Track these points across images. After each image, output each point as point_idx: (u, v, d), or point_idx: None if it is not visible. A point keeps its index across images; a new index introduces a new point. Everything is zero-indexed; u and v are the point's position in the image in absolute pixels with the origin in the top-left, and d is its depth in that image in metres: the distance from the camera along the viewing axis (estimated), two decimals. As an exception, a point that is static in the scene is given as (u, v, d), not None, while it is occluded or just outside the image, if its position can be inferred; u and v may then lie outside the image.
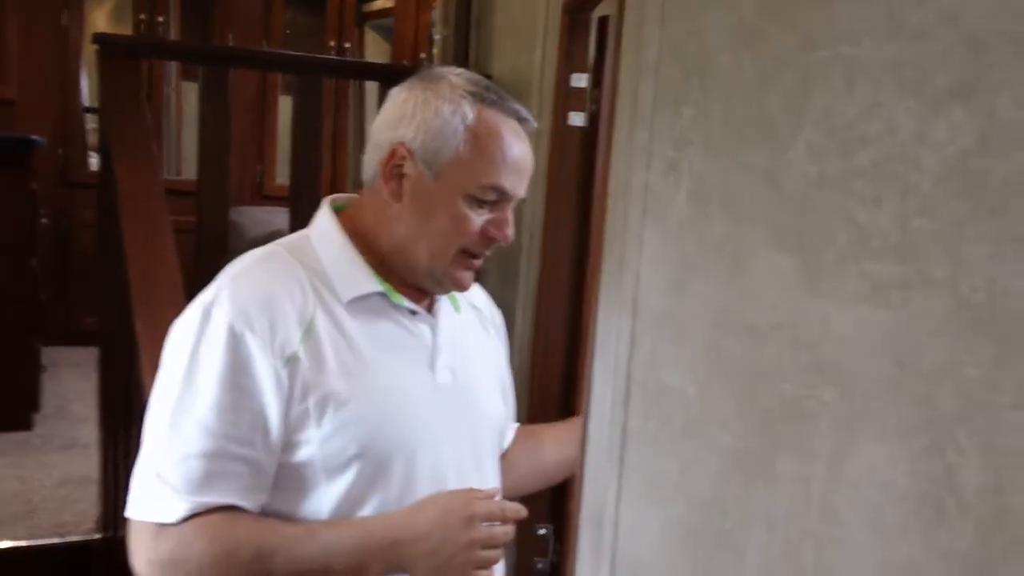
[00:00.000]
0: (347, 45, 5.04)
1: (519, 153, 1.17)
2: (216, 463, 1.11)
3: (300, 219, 2.40)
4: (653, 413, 0.88)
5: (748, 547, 0.76)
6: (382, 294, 1.18)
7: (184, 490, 1.12)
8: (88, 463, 2.79)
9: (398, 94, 1.21)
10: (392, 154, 1.17)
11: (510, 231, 1.17)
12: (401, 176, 1.16)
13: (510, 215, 1.17)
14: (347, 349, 1.15)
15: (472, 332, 1.33)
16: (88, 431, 3.15)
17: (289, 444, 1.12)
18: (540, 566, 1.59)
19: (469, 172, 1.13)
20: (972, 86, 0.59)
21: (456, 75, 1.19)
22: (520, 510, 1.12)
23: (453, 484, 1.18)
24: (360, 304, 1.17)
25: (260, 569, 1.12)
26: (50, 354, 3.68)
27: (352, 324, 1.16)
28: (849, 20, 0.68)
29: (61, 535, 2.50)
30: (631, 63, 0.99)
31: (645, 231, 0.91)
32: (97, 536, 2.50)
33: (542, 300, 1.72)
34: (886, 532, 0.65)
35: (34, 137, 3.27)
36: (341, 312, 1.16)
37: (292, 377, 1.13)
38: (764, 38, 0.75)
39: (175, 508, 1.12)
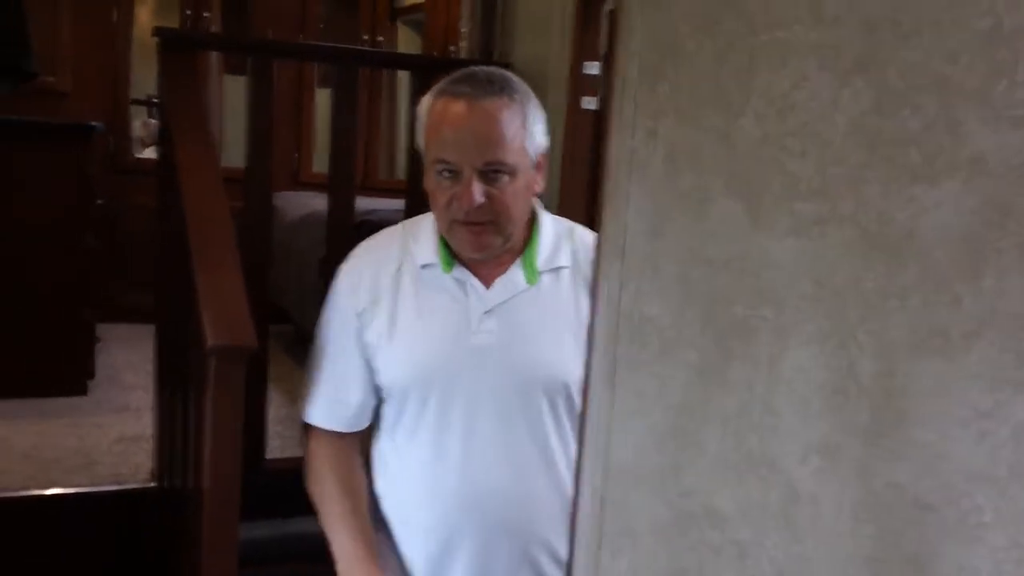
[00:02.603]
0: (380, 39, 5.21)
1: (455, 126, 1.41)
2: (325, 384, 1.45)
3: (338, 202, 2.59)
4: (636, 339, 1.04)
5: (708, 442, 0.93)
6: (438, 263, 1.44)
7: (309, 400, 1.56)
8: (140, 424, 3.01)
9: None
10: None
11: (466, 201, 1.38)
12: (426, 169, 1.43)
13: (471, 185, 1.37)
14: (405, 306, 1.44)
15: (553, 300, 1.51)
16: (138, 396, 3.38)
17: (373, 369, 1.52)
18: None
19: (427, 153, 1.40)
20: (869, 61, 0.75)
21: (450, 75, 1.45)
22: None
23: (455, 429, 1.41)
24: (428, 270, 1.44)
25: (317, 496, 1.43)
26: (100, 329, 3.89)
27: (417, 286, 1.46)
28: (783, 9, 0.84)
29: (119, 483, 2.73)
30: (622, 49, 1.16)
31: (631, 188, 1.08)
32: (152, 485, 2.72)
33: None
34: (809, 417, 0.81)
35: (92, 123, 3.46)
36: (415, 275, 1.44)
37: (362, 322, 1.50)
38: (719, 25, 0.91)
39: (307, 413, 1.56)
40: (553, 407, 1.48)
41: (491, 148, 1.39)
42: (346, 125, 2.39)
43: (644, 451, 1.04)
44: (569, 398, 1.50)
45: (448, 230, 1.45)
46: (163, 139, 2.35)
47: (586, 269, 1.51)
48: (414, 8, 5.53)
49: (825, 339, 0.79)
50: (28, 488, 2.68)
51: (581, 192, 1.83)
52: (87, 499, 2.65)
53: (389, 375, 1.49)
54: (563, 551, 1.50)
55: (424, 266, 1.49)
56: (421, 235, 1.52)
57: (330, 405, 1.54)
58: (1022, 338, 0.65)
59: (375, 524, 1.55)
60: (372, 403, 1.54)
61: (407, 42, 5.79)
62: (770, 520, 0.85)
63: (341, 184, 2.37)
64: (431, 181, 1.45)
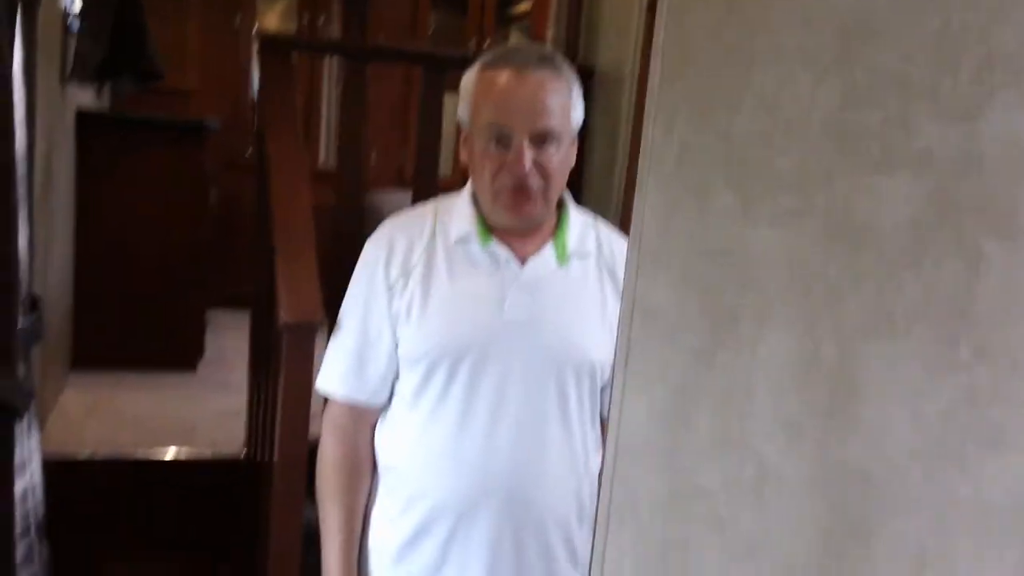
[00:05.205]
0: (487, 43, 5.34)
1: (507, 93, 1.45)
2: (348, 355, 1.51)
3: (420, 197, 2.68)
4: (646, 325, 1.10)
5: (699, 422, 0.98)
6: (475, 237, 1.49)
7: (330, 371, 1.58)
8: (239, 400, 3.26)
9: None
10: (460, 128, 1.55)
11: (519, 167, 1.43)
12: (465, 141, 1.48)
13: (523, 151, 1.42)
14: (437, 277, 1.47)
15: (581, 284, 1.56)
16: (239, 375, 3.63)
17: (397, 341, 1.48)
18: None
19: (476, 120, 1.45)
20: (841, 61, 0.80)
21: (494, 50, 1.52)
22: None
23: (484, 400, 1.45)
24: (462, 243, 1.49)
25: (320, 487, 1.59)
26: (212, 315, 4.18)
27: (450, 259, 1.49)
28: (777, 15, 0.90)
29: (215, 451, 3.04)
30: (654, 48, 1.22)
31: (649, 181, 1.14)
32: (242, 455, 2.98)
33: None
34: (780, 396, 0.86)
35: (207, 122, 3.68)
36: (447, 247, 1.49)
37: (392, 291, 1.51)
38: (724, 30, 0.97)
39: (328, 384, 1.58)
40: (579, 386, 1.51)
41: (542, 116, 1.44)
42: (430, 123, 2.50)
43: (647, 430, 1.09)
44: (594, 379, 1.53)
45: (494, 199, 1.47)
46: (258, 135, 2.51)
47: (609, 260, 1.56)
48: (526, 15, 5.66)
49: (795, 324, 0.84)
50: (135, 451, 2.97)
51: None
52: (186, 464, 2.93)
53: (420, 345, 1.49)
54: (574, 531, 1.53)
55: (458, 240, 1.52)
56: (455, 211, 1.55)
57: (354, 376, 1.54)
58: (949, 322, 0.69)
59: (382, 496, 1.61)
60: (392, 376, 1.55)
61: (520, 47, 5.90)
62: (745, 495, 0.90)
63: (423, 178, 2.47)
64: (478, 150, 1.48)
